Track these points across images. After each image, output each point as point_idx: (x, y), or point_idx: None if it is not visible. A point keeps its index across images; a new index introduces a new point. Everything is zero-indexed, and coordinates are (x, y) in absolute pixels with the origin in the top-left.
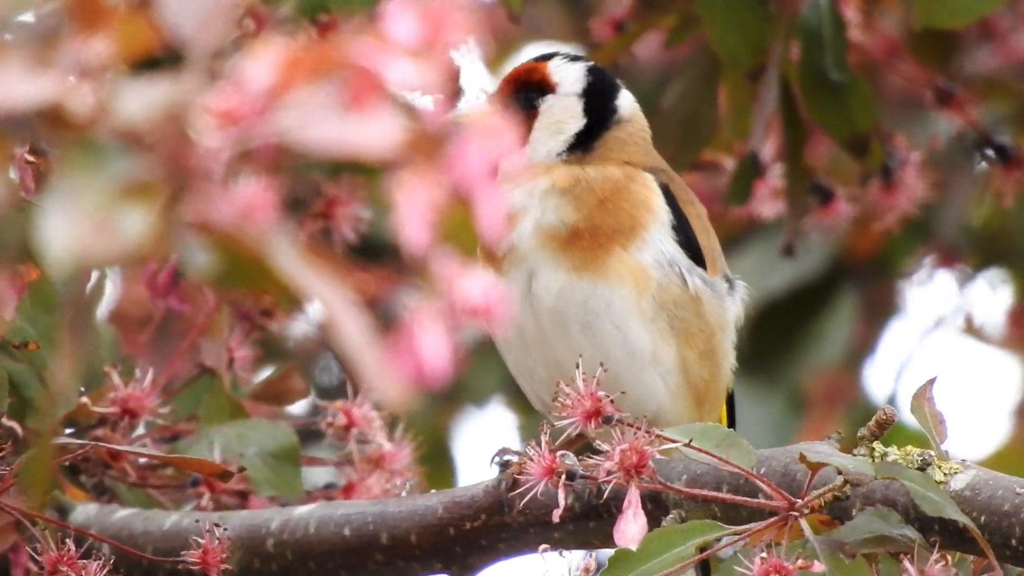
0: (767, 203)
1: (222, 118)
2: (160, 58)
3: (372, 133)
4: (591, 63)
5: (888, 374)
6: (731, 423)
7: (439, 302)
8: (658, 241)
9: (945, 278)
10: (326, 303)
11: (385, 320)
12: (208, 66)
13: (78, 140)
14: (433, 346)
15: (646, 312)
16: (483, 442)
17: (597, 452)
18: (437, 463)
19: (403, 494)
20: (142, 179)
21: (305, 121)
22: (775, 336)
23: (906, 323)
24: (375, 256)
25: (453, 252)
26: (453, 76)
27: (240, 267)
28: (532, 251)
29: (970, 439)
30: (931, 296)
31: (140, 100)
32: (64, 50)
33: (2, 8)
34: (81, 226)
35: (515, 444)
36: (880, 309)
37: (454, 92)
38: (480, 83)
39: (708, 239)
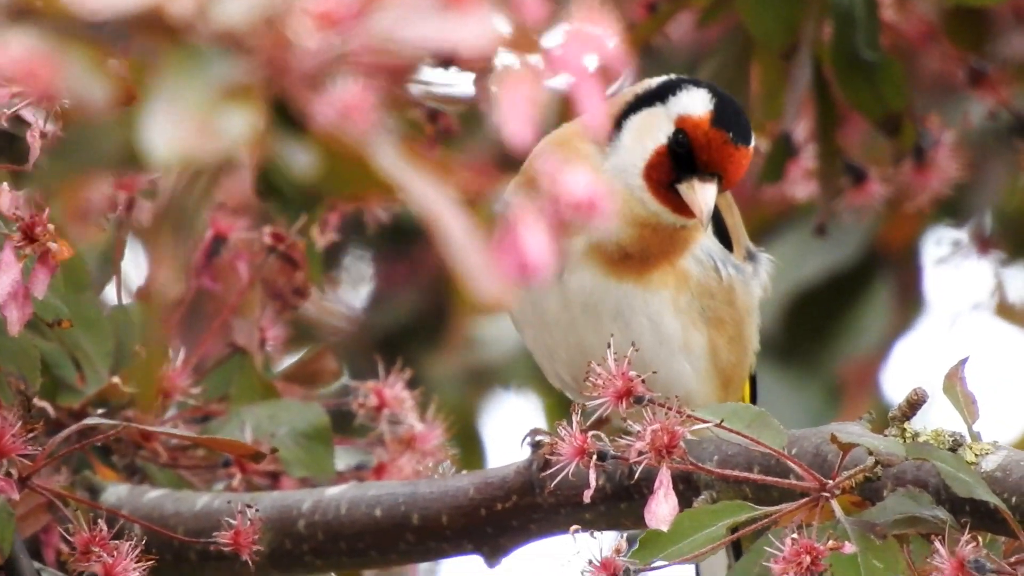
0: (800, 184)
1: (321, 20)
2: None
3: (470, 31)
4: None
5: (914, 360)
6: (753, 403)
7: (541, 198)
8: (700, 242)
9: (979, 263)
10: (428, 202)
11: (487, 218)
12: None
13: (178, 44)
14: (535, 242)
15: (681, 307)
16: (511, 423)
17: (628, 433)
18: (466, 447)
19: (439, 475)
20: (242, 82)
21: (403, 21)
22: (810, 324)
23: (938, 309)
24: (408, 239)
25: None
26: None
27: (342, 168)
28: (576, 254)
29: (1000, 421)
30: (964, 281)
31: (239, 3)
32: None
33: None
34: (184, 127)
35: (543, 425)
36: (912, 295)
37: (487, 72)
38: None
39: (732, 216)
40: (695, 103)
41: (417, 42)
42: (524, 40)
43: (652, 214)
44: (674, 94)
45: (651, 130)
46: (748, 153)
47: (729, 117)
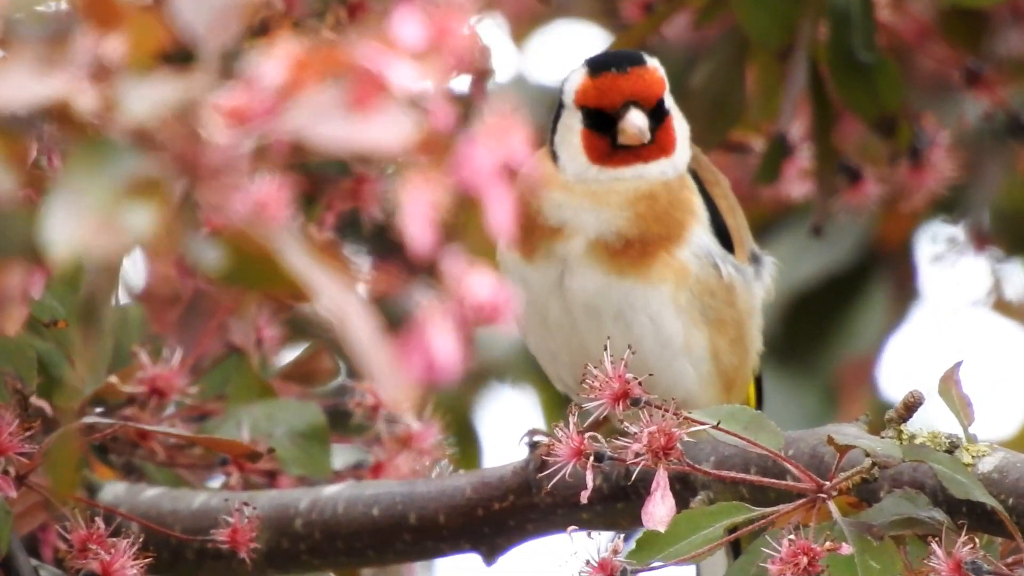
0: (796, 184)
1: (232, 117)
2: (172, 56)
3: (381, 132)
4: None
5: (912, 358)
6: (759, 406)
7: (448, 301)
8: (697, 237)
9: (975, 260)
10: (335, 301)
11: (396, 318)
12: (219, 65)
13: (85, 138)
14: (443, 344)
15: (682, 305)
16: (508, 419)
17: (625, 434)
18: (463, 441)
19: (435, 475)
20: (149, 177)
21: (315, 120)
22: (807, 324)
23: (935, 306)
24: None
25: (461, 251)
26: (483, 57)
27: (250, 265)
28: (576, 256)
29: (993, 420)
30: (961, 278)
31: (149, 99)
32: (75, 49)
33: (6, 6)
34: (84, 223)
35: (540, 422)
36: (909, 293)
37: (484, 73)
38: (508, 64)
39: (734, 218)
40: (575, 78)
41: (329, 140)
42: (433, 142)
43: (632, 185)
44: (563, 90)
45: (569, 128)
46: (642, 71)
47: (603, 60)
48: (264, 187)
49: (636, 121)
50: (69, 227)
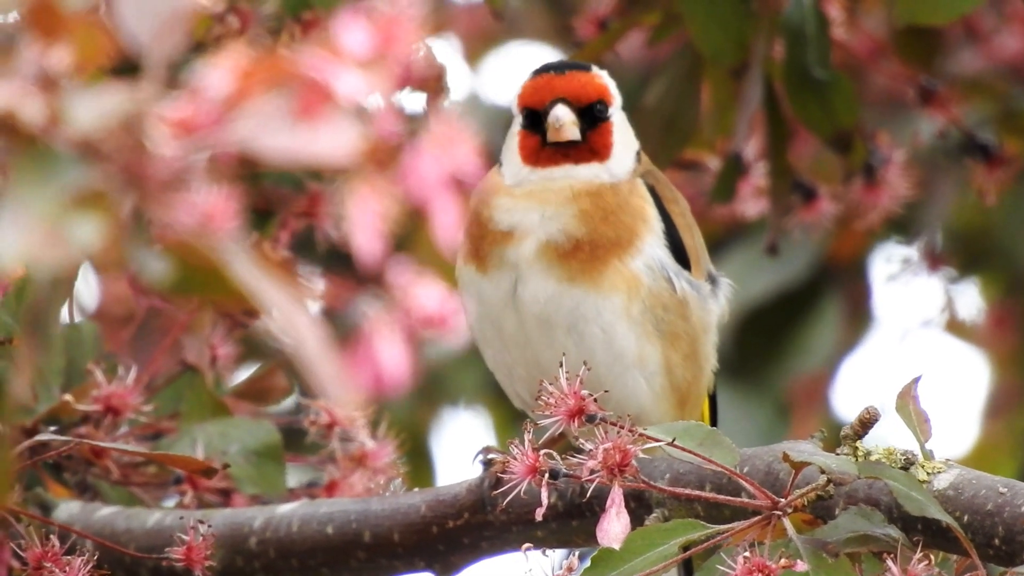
0: (750, 202)
1: (178, 127)
2: (118, 67)
3: (328, 142)
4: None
5: (864, 376)
6: (713, 423)
7: (396, 311)
8: (650, 248)
9: (929, 279)
10: (284, 313)
11: (344, 329)
12: (164, 75)
13: (30, 149)
14: (391, 355)
15: (634, 317)
16: (462, 440)
17: (580, 451)
18: (417, 460)
19: (389, 492)
20: (95, 188)
21: (261, 131)
22: (760, 342)
23: (887, 325)
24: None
25: (410, 261)
26: (438, 75)
27: (196, 276)
28: (527, 260)
29: (948, 439)
30: (914, 298)
31: (94, 109)
32: (20, 59)
33: None
34: (32, 235)
35: (493, 441)
36: (862, 312)
37: (440, 90)
38: (463, 81)
39: (692, 237)
40: (523, 84)
41: (275, 151)
42: (379, 152)
43: (566, 184)
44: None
45: (512, 133)
46: (579, 74)
47: (546, 67)
48: (211, 198)
49: (558, 113)
50: (17, 238)
